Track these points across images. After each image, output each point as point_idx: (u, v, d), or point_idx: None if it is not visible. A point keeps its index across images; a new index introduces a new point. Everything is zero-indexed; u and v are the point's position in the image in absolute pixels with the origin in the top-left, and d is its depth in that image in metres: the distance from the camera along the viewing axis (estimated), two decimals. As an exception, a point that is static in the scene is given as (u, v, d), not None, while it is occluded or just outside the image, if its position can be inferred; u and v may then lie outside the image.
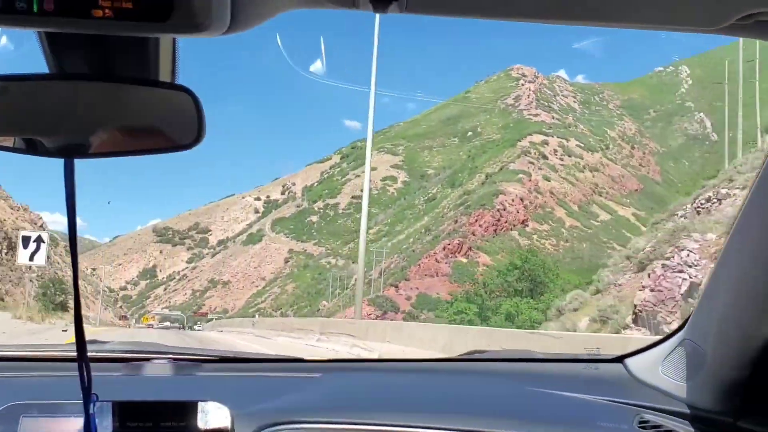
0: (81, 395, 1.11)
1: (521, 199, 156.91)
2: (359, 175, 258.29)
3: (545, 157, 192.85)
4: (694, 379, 1.72)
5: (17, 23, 0.83)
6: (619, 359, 2.11)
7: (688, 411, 1.73)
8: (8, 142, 1.04)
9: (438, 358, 2.86)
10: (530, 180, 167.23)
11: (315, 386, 1.92)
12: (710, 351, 1.61)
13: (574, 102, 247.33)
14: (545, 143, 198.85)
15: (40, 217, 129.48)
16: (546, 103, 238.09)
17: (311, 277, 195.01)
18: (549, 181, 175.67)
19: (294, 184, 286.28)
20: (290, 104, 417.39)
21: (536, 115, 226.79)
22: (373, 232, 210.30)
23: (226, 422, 1.56)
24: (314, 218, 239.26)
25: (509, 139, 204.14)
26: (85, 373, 1.09)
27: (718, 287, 1.51)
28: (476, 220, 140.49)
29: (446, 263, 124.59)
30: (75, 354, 1.07)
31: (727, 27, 0.90)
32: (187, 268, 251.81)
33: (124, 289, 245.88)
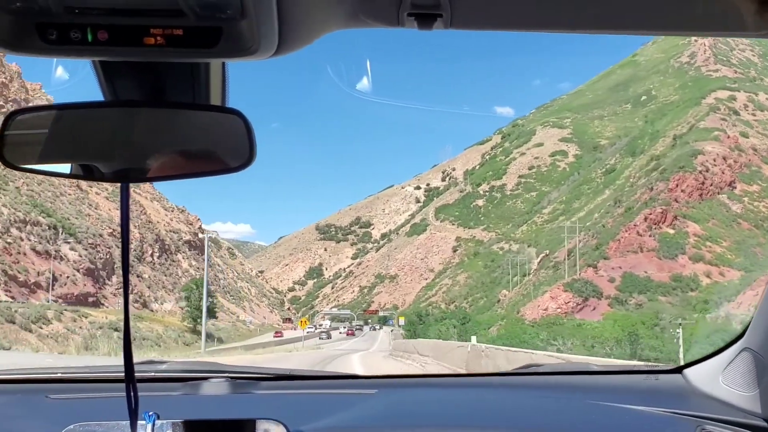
0: (138, 415, 1.13)
1: (723, 158, 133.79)
2: (524, 153, 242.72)
3: (736, 113, 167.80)
4: (755, 388, 1.68)
5: (73, 54, 0.86)
6: (679, 370, 2.08)
7: (750, 421, 1.70)
8: (66, 168, 1.06)
9: (494, 373, 2.87)
10: (728, 137, 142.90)
11: (370, 403, 1.91)
12: None
13: (753, 55, 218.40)
14: (733, 98, 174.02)
15: (198, 219, 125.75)
16: (724, 58, 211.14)
17: (483, 265, 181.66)
18: (747, 137, 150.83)
19: (454, 169, 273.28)
20: (443, 94, 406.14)
21: (716, 70, 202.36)
22: (548, 212, 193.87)
23: None
24: (480, 202, 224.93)
25: (691, 99, 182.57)
26: (132, 394, 1.10)
27: None
28: (677, 185, 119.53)
29: (650, 236, 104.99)
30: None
31: None
32: (352, 264, 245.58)
33: (293, 290, 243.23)
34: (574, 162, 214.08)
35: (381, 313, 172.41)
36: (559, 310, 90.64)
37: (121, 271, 1.38)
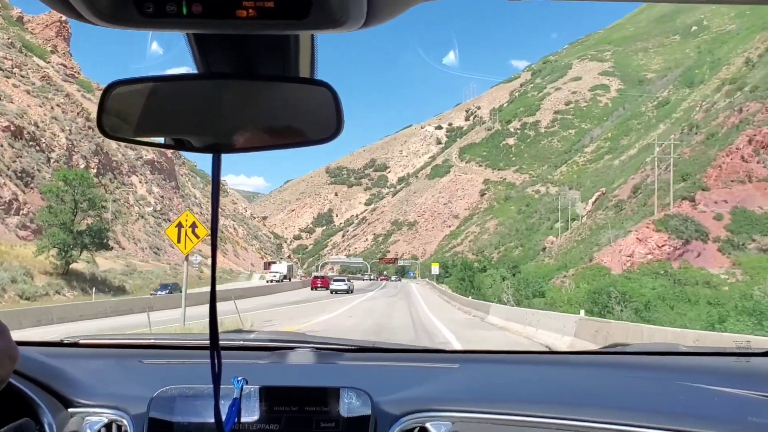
0: (221, 380, 1.18)
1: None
2: (560, 88, 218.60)
3: None
4: None
5: (168, 26, 0.88)
6: None
7: None
8: (159, 138, 1.11)
9: (580, 351, 2.82)
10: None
11: (453, 376, 1.94)
12: None
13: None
14: None
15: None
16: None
17: (517, 210, 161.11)
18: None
19: (479, 107, 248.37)
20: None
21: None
22: (591, 151, 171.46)
23: (367, 408, 1.60)
24: (510, 141, 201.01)
25: (754, 26, 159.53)
26: (216, 360, 1.15)
27: None
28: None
29: (758, 162, 79.28)
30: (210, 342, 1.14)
31: None
32: (366, 210, 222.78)
33: (299, 237, 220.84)
34: (618, 97, 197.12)
35: (401, 263, 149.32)
36: (650, 256, 65.86)
37: None
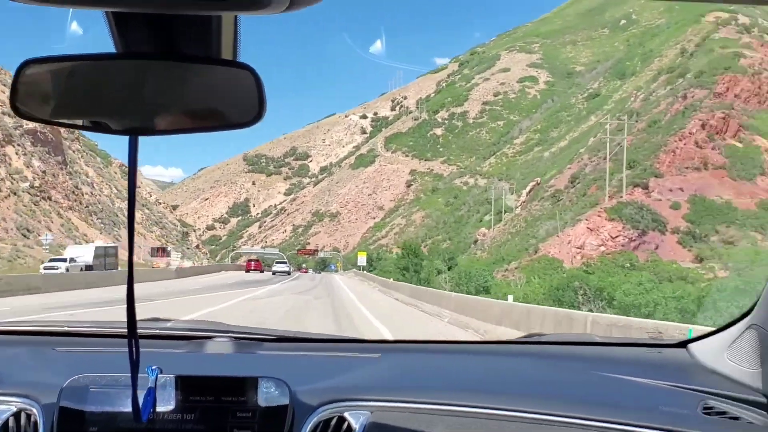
0: (139, 369, 1.15)
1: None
2: (488, 78, 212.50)
3: (748, 30, 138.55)
4: (760, 365, 1.71)
5: (87, 3, 0.83)
6: (684, 344, 2.09)
7: (754, 398, 1.71)
8: (77, 120, 1.07)
9: (497, 341, 2.87)
10: (762, 45, 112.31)
11: (374, 366, 1.93)
12: None
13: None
14: (735, 19, 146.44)
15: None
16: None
17: (444, 202, 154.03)
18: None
19: (405, 97, 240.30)
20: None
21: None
22: (520, 142, 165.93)
23: (285, 398, 1.59)
24: (438, 131, 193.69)
25: (684, 19, 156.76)
26: (134, 348, 1.12)
27: None
28: (728, 89, 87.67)
29: (713, 149, 73.23)
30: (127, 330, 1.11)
31: None
32: (285, 200, 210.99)
33: (212, 228, 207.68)
34: (546, 89, 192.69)
35: (321, 255, 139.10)
36: (602, 247, 57.99)
37: None
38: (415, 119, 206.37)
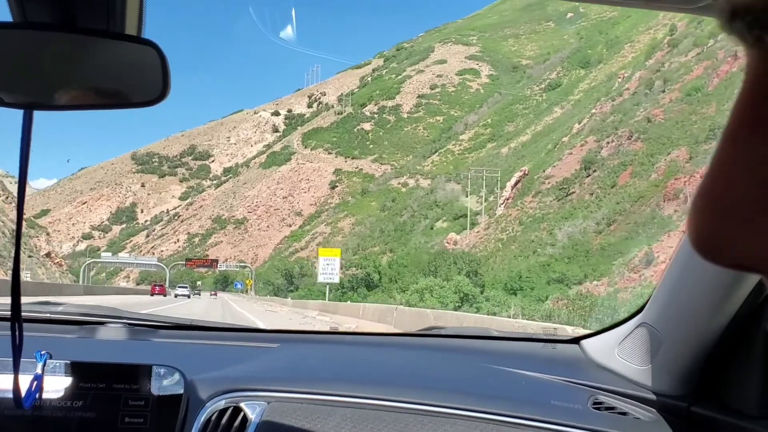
0: (21, 354, 1.10)
1: None
2: (422, 71, 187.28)
3: None
4: (649, 362, 1.76)
5: None
6: (576, 340, 2.12)
7: (642, 394, 1.76)
8: None
9: (396, 333, 2.87)
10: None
11: (272, 356, 1.93)
12: (666, 336, 1.66)
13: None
14: None
15: None
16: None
17: (380, 206, 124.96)
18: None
19: (324, 93, 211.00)
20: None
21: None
22: (468, 138, 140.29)
23: (179, 387, 1.56)
24: (367, 126, 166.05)
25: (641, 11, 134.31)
26: (16, 333, 1.07)
27: (677, 272, 1.55)
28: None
29: None
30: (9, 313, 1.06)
31: (701, 7, 0.79)
32: (180, 205, 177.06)
33: (89, 237, 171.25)
34: (490, 83, 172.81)
35: (223, 267, 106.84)
36: None
37: None
38: (339, 114, 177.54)
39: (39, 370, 1.43)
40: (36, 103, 0.96)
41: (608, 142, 69.77)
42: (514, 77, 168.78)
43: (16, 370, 1.16)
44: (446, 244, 75.45)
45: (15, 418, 1.41)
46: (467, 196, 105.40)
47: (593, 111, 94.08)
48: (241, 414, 1.56)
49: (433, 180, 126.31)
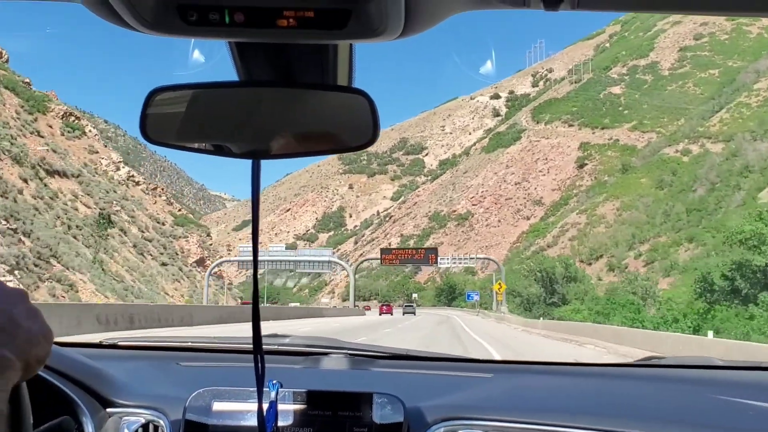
0: (262, 384, 1.21)
1: None
2: (679, 21, 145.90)
3: None
4: None
5: (210, 34, 0.90)
6: None
7: None
8: (200, 145, 1.11)
9: (613, 363, 2.88)
10: None
11: (487, 385, 1.96)
12: None
13: None
14: None
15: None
16: None
17: (653, 184, 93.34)
18: None
19: (551, 70, 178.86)
20: None
21: None
22: (766, 86, 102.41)
23: (399, 415, 1.61)
24: (616, 90, 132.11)
25: None
26: (259, 364, 1.18)
27: None
28: None
29: None
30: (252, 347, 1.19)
31: None
32: (392, 206, 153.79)
33: (293, 247, 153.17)
34: None
35: (444, 264, 79.71)
36: None
37: None
38: (575, 82, 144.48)
39: (273, 398, 1.50)
40: (260, 152, 1.06)
41: None
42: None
43: (260, 399, 1.25)
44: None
45: None
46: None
47: None
48: None
49: (727, 142, 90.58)
